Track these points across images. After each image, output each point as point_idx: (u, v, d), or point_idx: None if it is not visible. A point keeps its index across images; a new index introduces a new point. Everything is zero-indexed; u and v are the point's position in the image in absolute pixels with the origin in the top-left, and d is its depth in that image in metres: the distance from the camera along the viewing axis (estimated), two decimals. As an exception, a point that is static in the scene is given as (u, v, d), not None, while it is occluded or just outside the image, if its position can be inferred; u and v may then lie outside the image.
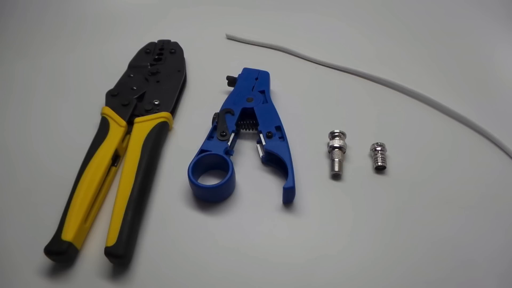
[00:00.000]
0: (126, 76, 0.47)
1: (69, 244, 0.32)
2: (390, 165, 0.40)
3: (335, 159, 0.40)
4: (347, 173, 0.40)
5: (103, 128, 0.41)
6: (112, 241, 0.32)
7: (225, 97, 0.44)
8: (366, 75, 0.49)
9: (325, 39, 0.55)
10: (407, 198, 0.38)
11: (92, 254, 0.34)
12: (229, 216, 0.37)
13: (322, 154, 0.42)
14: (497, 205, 0.38)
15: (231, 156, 0.40)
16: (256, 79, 0.46)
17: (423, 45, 0.54)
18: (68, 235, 0.33)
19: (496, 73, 0.51)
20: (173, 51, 0.50)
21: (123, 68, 0.48)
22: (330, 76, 0.50)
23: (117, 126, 0.41)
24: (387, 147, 0.41)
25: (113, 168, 0.39)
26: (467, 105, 0.45)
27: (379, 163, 0.40)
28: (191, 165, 0.37)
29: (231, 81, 0.46)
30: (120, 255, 0.32)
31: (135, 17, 0.59)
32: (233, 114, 0.42)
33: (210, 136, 0.40)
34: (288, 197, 0.37)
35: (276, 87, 0.48)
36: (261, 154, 0.41)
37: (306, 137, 0.43)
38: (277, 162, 0.39)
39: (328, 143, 0.41)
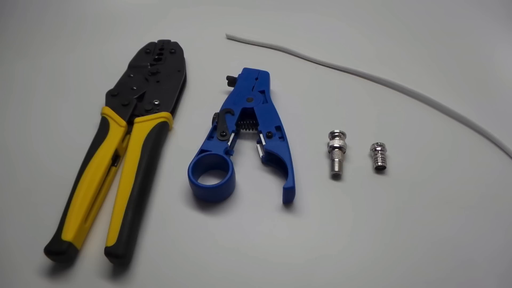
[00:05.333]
0: (126, 76, 0.47)
1: (69, 244, 0.32)
2: (390, 165, 0.40)
3: (335, 159, 0.40)
4: (347, 173, 0.40)
5: (103, 128, 0.41)
6: (112, 241, 0.32)
7: (225, 97, 0.44)
8: (366, 75, 0.49)
9: (325, 39, 0.55)
10: (407, 198, 0.38)
11: (92, 254, 0.34)
12: (229, 216, 0.37)
13: (322, 154, 0.42)
14: (497, 205, 0.38)
15: (231, 156, 0.40)
16: (256, 79, 0.46)
17: (423, 45, 0.54)
18: (68, 235, 0.33)
19: (496, 73, 0.51)
20: (173, 51, 0.50)
21: (123, 68, 0.48)
22: (330, 76, 0.50)
23: (117, 126, 0.41)
24: (387, 147, 0.41)
25: (113, 168, 0.39)
26: (467, 105, 0.45)
27: (379, 163, 0.40)
28: (191, 165, 0.37)
29: (231, 81, 0.46)
30: (120, 255, 0.32)
31: (135, 17, 0.59)
32: (233, 114, 0.42)
33: (210, 136, 0.40)
34: (288, 197, 0.37)
35: (276, 87, 0.48)
36: (261, 154, 0.41)
37: (306, 137, 0.43)
38: (277, 162, 0.39)
39: (328, 143, 0.41)
